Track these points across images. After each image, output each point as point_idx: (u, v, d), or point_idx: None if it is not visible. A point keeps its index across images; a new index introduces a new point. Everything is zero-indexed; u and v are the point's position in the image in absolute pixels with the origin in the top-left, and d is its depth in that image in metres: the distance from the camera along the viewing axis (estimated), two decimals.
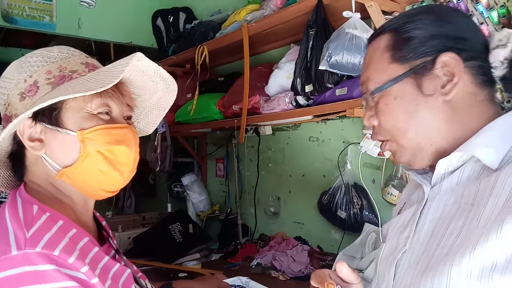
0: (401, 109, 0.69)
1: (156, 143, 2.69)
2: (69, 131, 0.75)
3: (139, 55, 0.76)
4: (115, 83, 0.72)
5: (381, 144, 0.76)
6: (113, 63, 0.78)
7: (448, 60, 0.66)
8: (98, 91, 0.71)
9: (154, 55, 2.87)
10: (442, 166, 0.69)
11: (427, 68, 0.68)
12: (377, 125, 0.74)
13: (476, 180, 0.64)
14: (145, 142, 2.78)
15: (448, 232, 0.63)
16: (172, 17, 2.85)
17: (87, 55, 0.84)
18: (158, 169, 2.77)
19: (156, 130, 2.68)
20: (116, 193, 0.84)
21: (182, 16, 2.83)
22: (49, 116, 0.75)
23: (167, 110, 0.96)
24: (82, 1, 2.83)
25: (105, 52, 3.48)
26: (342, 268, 0.67)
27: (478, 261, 0.56)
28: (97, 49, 3.45)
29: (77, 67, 0.79)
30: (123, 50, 3.24)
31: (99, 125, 0.76)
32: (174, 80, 0.89)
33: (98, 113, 0.77)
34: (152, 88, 0.91)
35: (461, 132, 0.68)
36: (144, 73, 0.86)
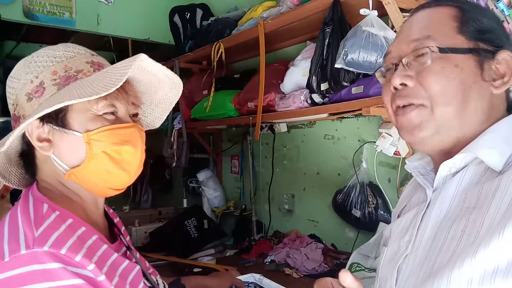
0: (458, 78, 0.65)
1: (172, 139, 2.71)
2: (75, 132, 0.76)
3: (142, 56, 0.76)
4: (118, 86, 0.72)
5: (405, 109, 0.69)
6: (117, 63, 0.78)
7: (508, 58, 0.65)
8: (102, 95, 0.71)
9: (171, 52, 2.89)
10: (445, 168, 0.68)
11: (488, 56, 0.66)
12: (412, 86, 0.68)
13: (478, 183, 0.63)
14: (162, 137, 2.83)
15: (450, 236, 0.62)
16: (189, 14, 2.85)
17: (93, 53, 0.84)
18: (174, 164, 2.79)
19: (172, 127, 2.71)
20: (123, 190, 0.85)
21: (199, 13, 2.84)
22: (56, 117, 0.76)
23: (172, 106, 0.97)
24: None
25: (123, 48, 3.52)
26: (346, 277, 0.66)
27: (480, 266, 0.55)
28: (116, 44, 3.49)
29: (82, 67, 0.79)
30: (141, 47, 3.28)
31: (104, 126, 0.76)
32: (179, 78, 0.89)
33: (104, 113, 0.77)
34: (158, 85, 0.90)
35: (481, 130, 0.66)
36: (149, 71, 0.85)
